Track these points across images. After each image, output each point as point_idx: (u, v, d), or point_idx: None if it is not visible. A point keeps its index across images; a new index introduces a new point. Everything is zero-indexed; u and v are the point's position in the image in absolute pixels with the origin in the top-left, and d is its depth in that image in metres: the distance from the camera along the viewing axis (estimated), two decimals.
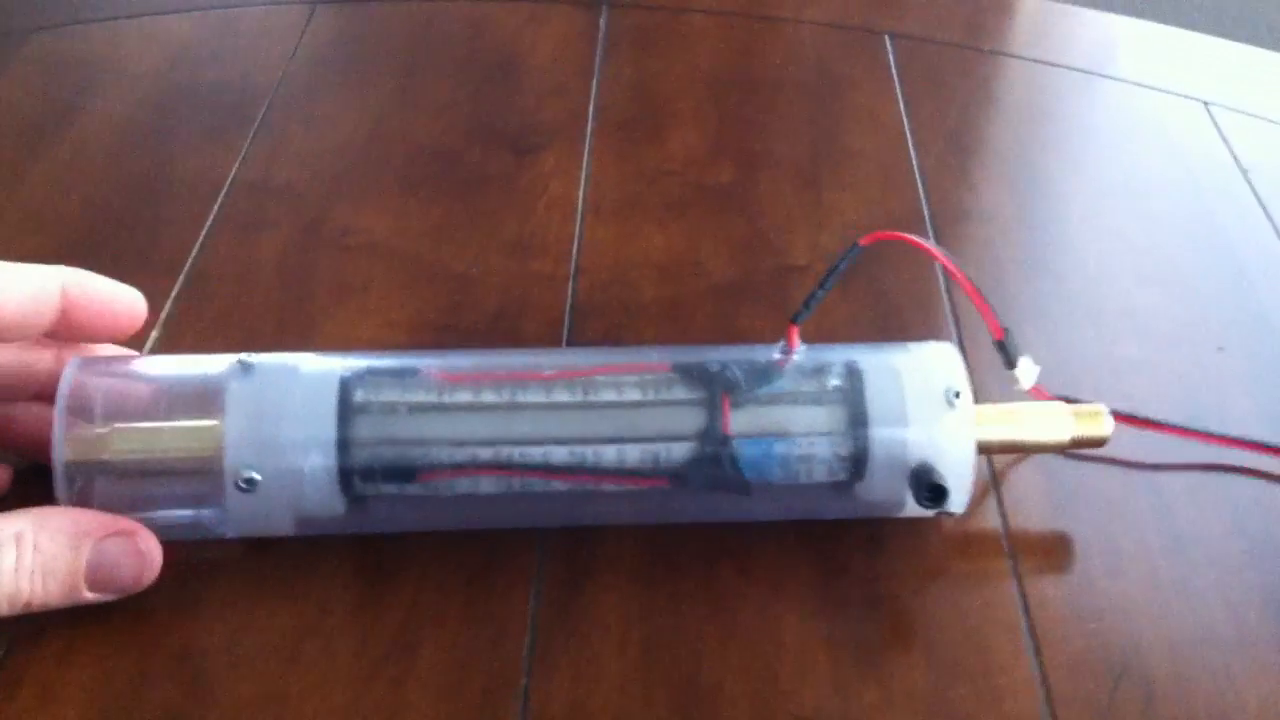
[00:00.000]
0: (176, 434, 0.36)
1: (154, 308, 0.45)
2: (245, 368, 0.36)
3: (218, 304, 0.47)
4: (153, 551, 0.35)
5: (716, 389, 0.37)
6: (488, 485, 0.37)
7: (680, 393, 0.37)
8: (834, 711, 0.34)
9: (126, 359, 0.38)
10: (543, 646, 0.36)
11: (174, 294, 0.47)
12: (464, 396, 0.37)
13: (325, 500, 0.36)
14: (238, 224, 0.52)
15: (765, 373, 0.38)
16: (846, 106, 0.61)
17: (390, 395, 0.37)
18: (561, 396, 0.37)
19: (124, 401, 0.37)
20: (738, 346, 0.40)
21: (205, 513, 0.36)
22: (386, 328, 0.47)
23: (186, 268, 0.49)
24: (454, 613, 0.37)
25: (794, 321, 0.38)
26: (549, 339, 0.47)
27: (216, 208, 0.52)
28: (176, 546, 0.36)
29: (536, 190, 0.54)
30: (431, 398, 0.37)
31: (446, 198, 0.54)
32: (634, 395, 0.37)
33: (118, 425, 0.36)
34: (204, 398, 0.36)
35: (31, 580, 0.33)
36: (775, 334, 0.47)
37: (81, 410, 0.35)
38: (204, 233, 0.51)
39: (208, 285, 0.48)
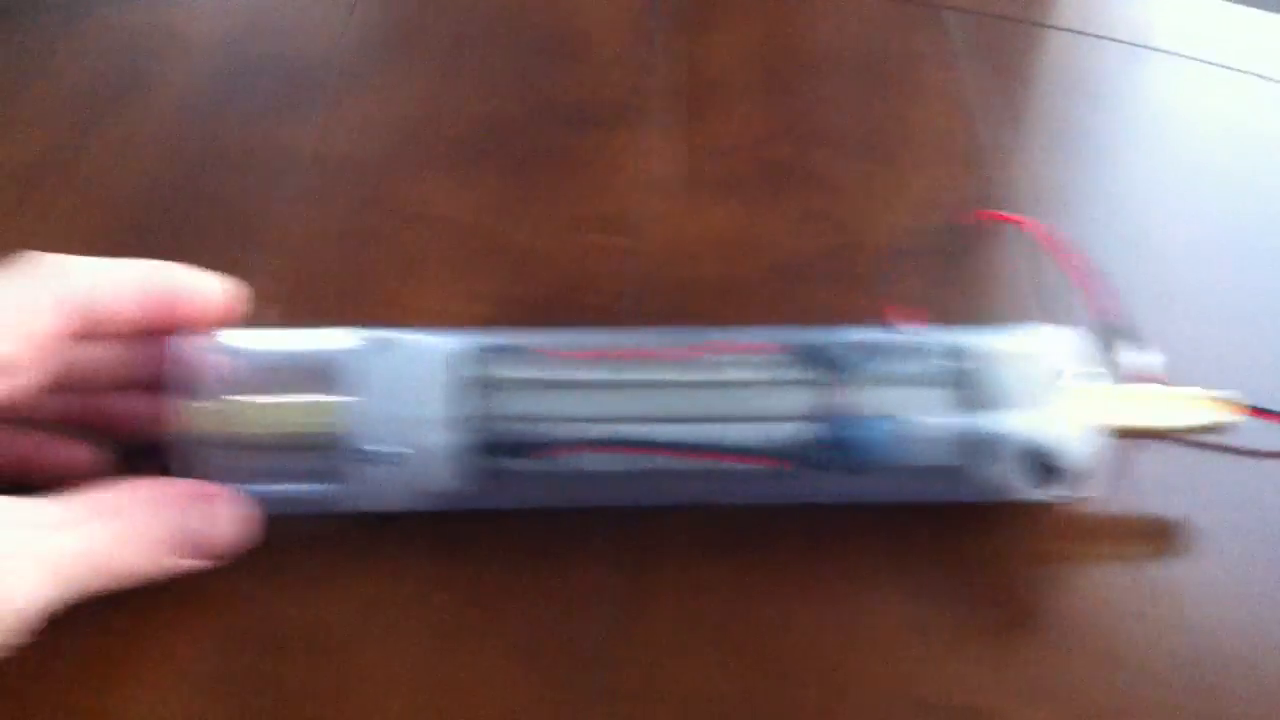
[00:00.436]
0: (297, 409, 0.37)
1: (236, 279, 0.45)
2: (365, 342, 0.37)
3: (300, 277, 0.48)
4: (244, 516, 0.35)
5: (829, 369, 0.37)
6: (603, 462, 0.37)
7: (793, 373, 0.38)
8: (961, 697, 0.35)
9: (239, 334, 0.38)
10: (616, 623, 0.36)
11: (256, 267, 0.48)
12: (580, 374, 0.38)
13: (444, 476, 0.36)
14: (303, 196, 0.52)
15: (877, 353, 0.38)
16: (905, 82, 0.61)
17: (507, 372, 0.37)
18: (676, 375, 0.38)
19: (240, 376, 0.37)
20: (844, 328, 0.40)
21: (324, 488, 0.37)
22: (458, 300, 0.47)
23: (262, 242, 0.49)
24: (524, 586, 0.37)
25: (899, 303, 0.38)
26: (616, 314, 0.47)
27: (285, 181, 0.52)
28: (286, 521, 0.37)
29: (599, 164, 0.55)
30: (548, 374, 0.37)
31: (507, 172, 0.54)
32: (747, 374, 0.38)
33: (236, 399, 0.36)
34: (323, 372, 0.37)
35: (122, 550, 0.33)
36: (842, 312, 0.47)
37: (197, 385, 0.35)
38: (277, 206, 0.51)
39: (281, 257, 0.49)
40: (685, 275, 0.49)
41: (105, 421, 0.38)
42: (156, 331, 0.37)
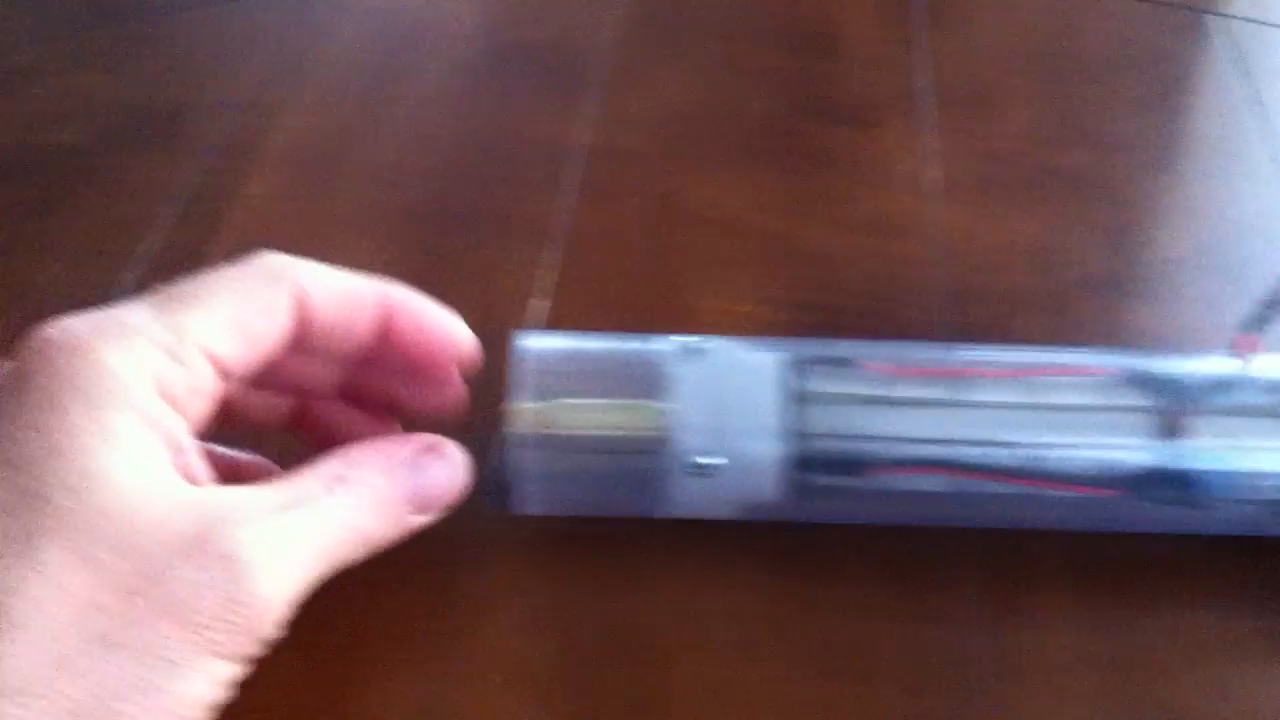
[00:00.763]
0: (623, 412, 0.36)
1: (526, 274, 0.45)
2: (689, 350, 0.36)
3: (595, 272, 0.47)
4: (461, 460, 0.34)
5: (1170, 397, 0.36)
6: (929, 483, 0.36)
7: (1131, 398, 0.36)
8: None
9: (563, 334, 0.38)
10: (1002, 650, 0.35)
11: (543, 261, 0.47)
12: (908, 391, 0.36)
13: (767, 487, 0.36)
14: (592, 191, 0.51)
15: (1220, 382, 0.36)
16: (1184, 88, 0.59)
17: (834, 385, 0.36)
18: (1007, 396, 0.36)
19: (565, 376, 0.36)
20: (1182, 352, 0.38)
21: (645, 493, 0.36)
22: (761, 305, 0.46)
23: (552, 234, 0.49)
24: (903, 607, 0.36)
25: (1248, 330, 0.37)
26: (925, 325, 0.46)
27: (569, 173, 0.52)
28: (603, 523, 0.37)
29: (882, 167, 0.53)
30: (876, 390, 0.36)
31: (792, 171, 0.53)
32: (1082, 399, 0.36)
33: (562, 400, 0.36)
34: (648, 378, 0.36)
35: (365, 518, 0.32)
36: (1163, 332, 0.46)
37: (524, 384, 0.35)
38: (562, 198, 0.51)
39: (582, 253, 0.48)
40: (1000, 287, 0.47)
41: (308, 426, 0.37)
42: (379, 359, 0.35)
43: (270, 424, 0.37)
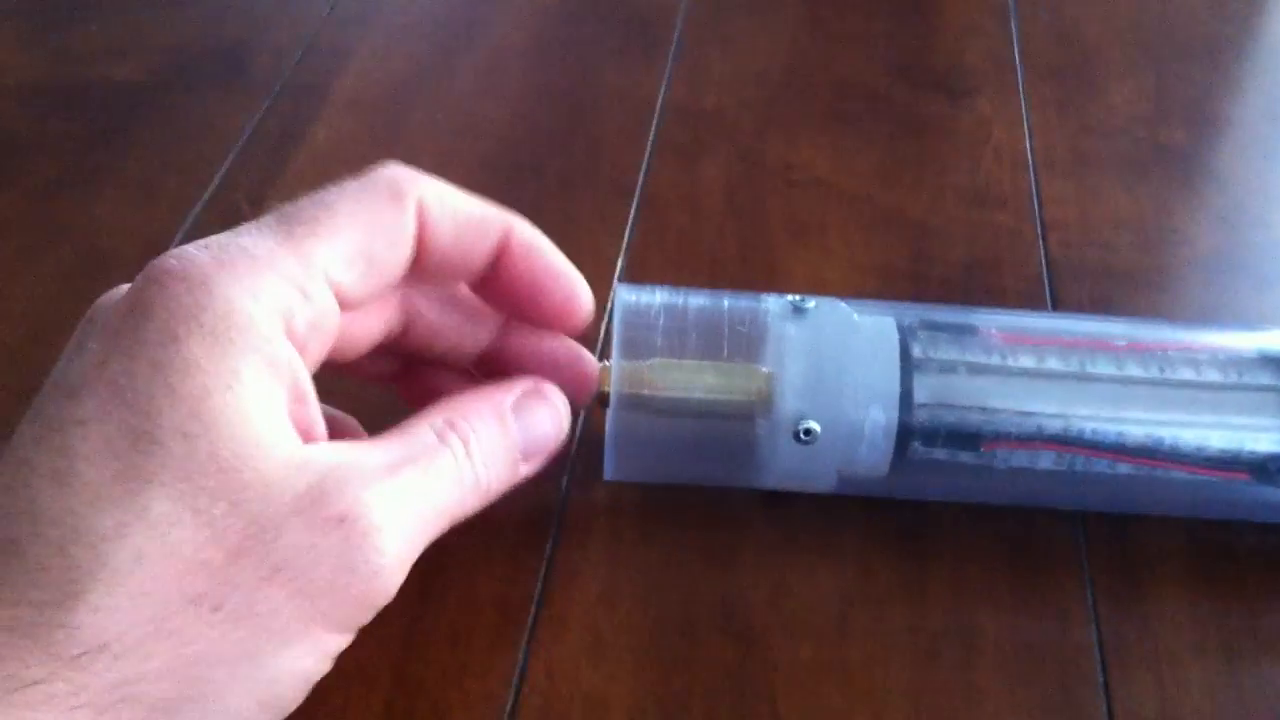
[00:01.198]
0: (727, 374, 0.33)
1: (613, 231, 0.43)
2: (798, 310, 0.34)
3: (674, 232, 0.45)
4: (563, 404, 0.32)
5: None
6: (1046, 461, 0.33)
7: (1266, 378, 0.34)
8: None
9: (666, 288, 0.35)
10: (1112, 640, 0.33)
11: (631, 219, 0.45)
12: (1028, 362, 0.34)
13: (876, 459, 0.33)
14: (675, 149, 0.49)
15: None
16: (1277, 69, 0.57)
17: (949, 353, 0.34)
18: (1134, 371, 0.34)
19: (666, 333, 0.34)
20: None
21: (745, 462, 0.34)
22: (854, 271, 0.44)
23: (638, 191, 0.47)
24: (1005, 593, 0.34)
25: None
26: (1030, 298, 0.43)
27: (651, 130, 0.50)
28: (697, 494, 0.35)
29: (979, 137, 0.51)
30: (994, 360, 0.34)
31: (884, 138, 0.51)
32: (1214, 377, 0.34)
33: (660, 360, 0.33)
34: (754, 339, 0.34)
35: (482, 468, 0.29)
36: (1273, 315, 0.43)
37: (630, 341, 0.33)
38: (646, 155, 0.48)
39: (660, 211, 0.46)
40: (1106, 262, 0.45)
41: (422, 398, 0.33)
42: (495, 306, 0.32)
43: (367, 361, 0.33)
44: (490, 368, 0.33)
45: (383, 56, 0.53)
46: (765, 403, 0.33)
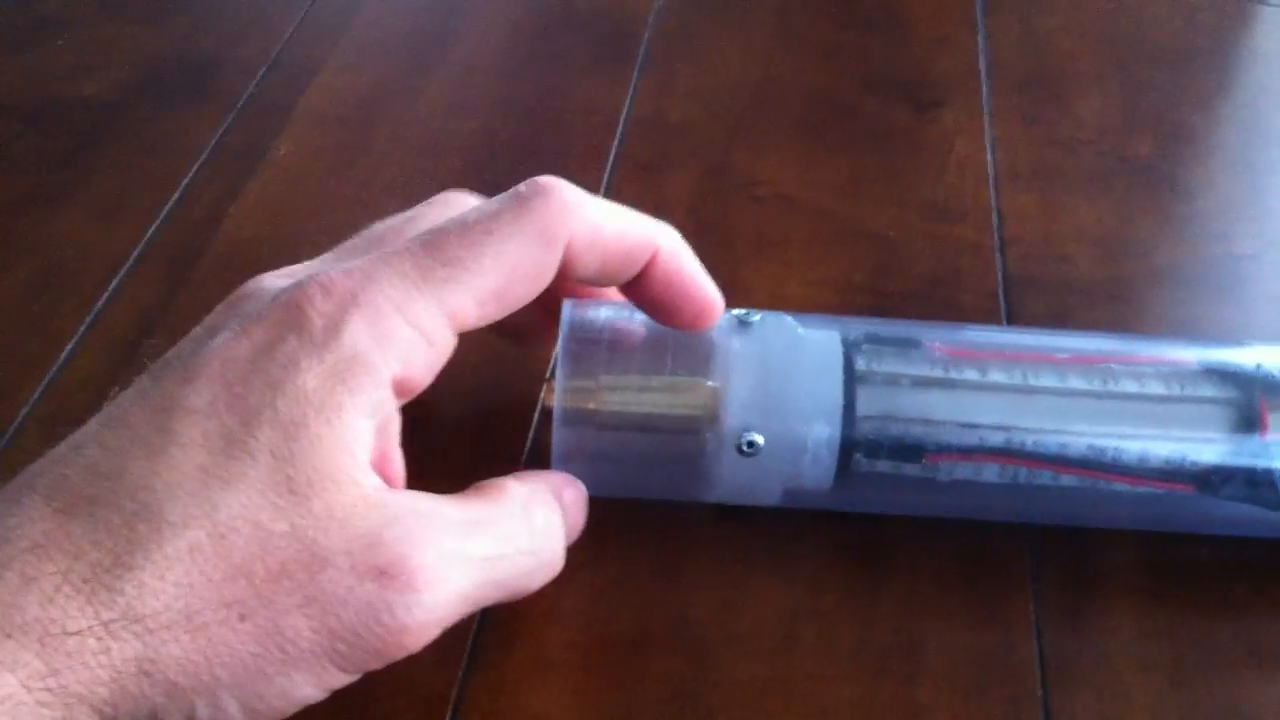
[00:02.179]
0: (672, 389, 0.34)
1: None
2: (743, 324, 0.34)
3: None
4: (586, 501, 0.33)
5: (1253, 390, 0.33)
6: (990, 473, 0.34)
7: (1209, 390, 0.34)
8: None
9: (614, 304, 0.35)
10: (1055, 655, 0.33)
11: None
12: (971, 374, 0.34)
13: (820, 472, 0.33)
14: (639, 163, 0.49)
15: None
16: (1253, 81, 0.57)
17: (893, 366, 0.34)
18: (1078, 383, 0.34)
19: (613, 349, 0.34)
20: (1262, 342, 0.36)
21: (692, 476, 0.34)
22: (814, 286, 0.44)
23: None
24: (953, 608, 0.34)
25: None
26: (987, 313, 0.43)
27: (616, 143, 0.50)
28: (648, 510, 0.35)
29: (942, 149, 0.51)
30: (937, 373, 0.34)
31: (850, 151, 0.51)
32: (1157, 389, 0.34)
33: (607, 376, 0.33)
34: (700, 353, 0.34)
35: (559, 539, 0.31)
36: (1234, 328, 0.43)
37: (576, 357, 0.33)
38: (608, 169, 0.48)
39: None
40: (1064, 276, 0.45)
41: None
42: (634, 300, 0.33)
43: None
44: None
45: (350, 71, 0.53)
46: (711, 417, 0.33)
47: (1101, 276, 0.45)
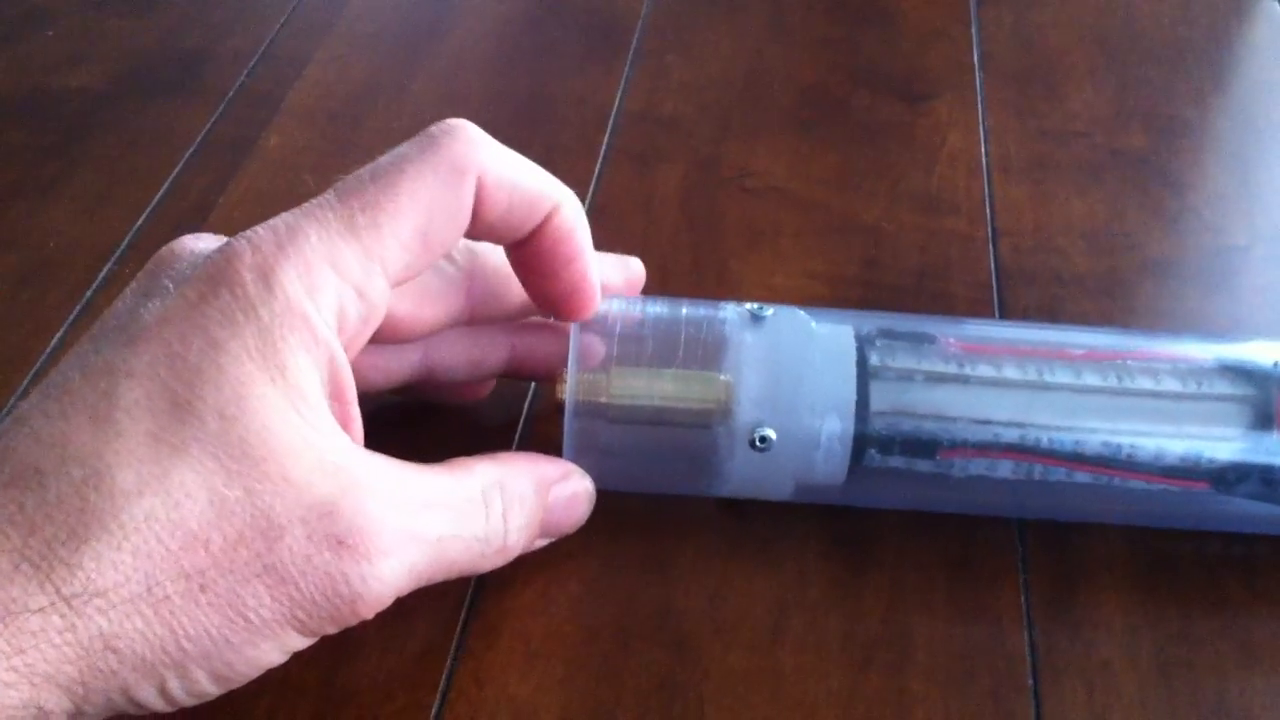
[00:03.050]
0: (685, 382, 0.33)
1: None
2: (756, 318, 0.34)
3: (627, 238, 0.45)
4: (589, 495, 0.33)
5: (1269, 387, 0.33)
6: (1003, 470, 0.33)
7: (1225, 387, 0.33)
8: None
9: (624, 298, 0.35)
10: (1045, 647, 0.33)
11: None
12: (985, 370, 0.34)
13: (832, 467, 0.33)
14: (631, 155, 0.49)
15: None
16: (1246, 73, 0.57)
17: (906, 362, 0.34)
18: (1092, 380, 0.33)
19: (623, 341, 0.34)
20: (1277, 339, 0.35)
21: (703, 470, 0.33)
22: (805, 278, 0.44)
23: (589, 197, 0.46)
24: (942, 600, 0.34)
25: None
26: (978, 304, 0.43)
27: (607, 135, 0.50)
28: (638, 501, 0.35)
29: (934, 142, 0.51)
30: (951, 369, 0.34)
31: (842, 143, 0.50)
32: (1173, 386, 0.33)
33: (618, 369, 0.33)
34: (712, 346, 0.33)
35: (510, 535, 0.30)
36: (1221, 320, 0.43)
37: (587, 350, 0.33)
38: (599, 161, 0.48)
39: (612, 218, 0.46)
40: (1055, 267, 0.45)
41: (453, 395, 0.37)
42: (519, 269, 0.33)
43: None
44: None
45: (340, 64, 0.53)
46: (723, 411, 0.33)
47: (1093, 268, 0.45)
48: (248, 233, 0.27)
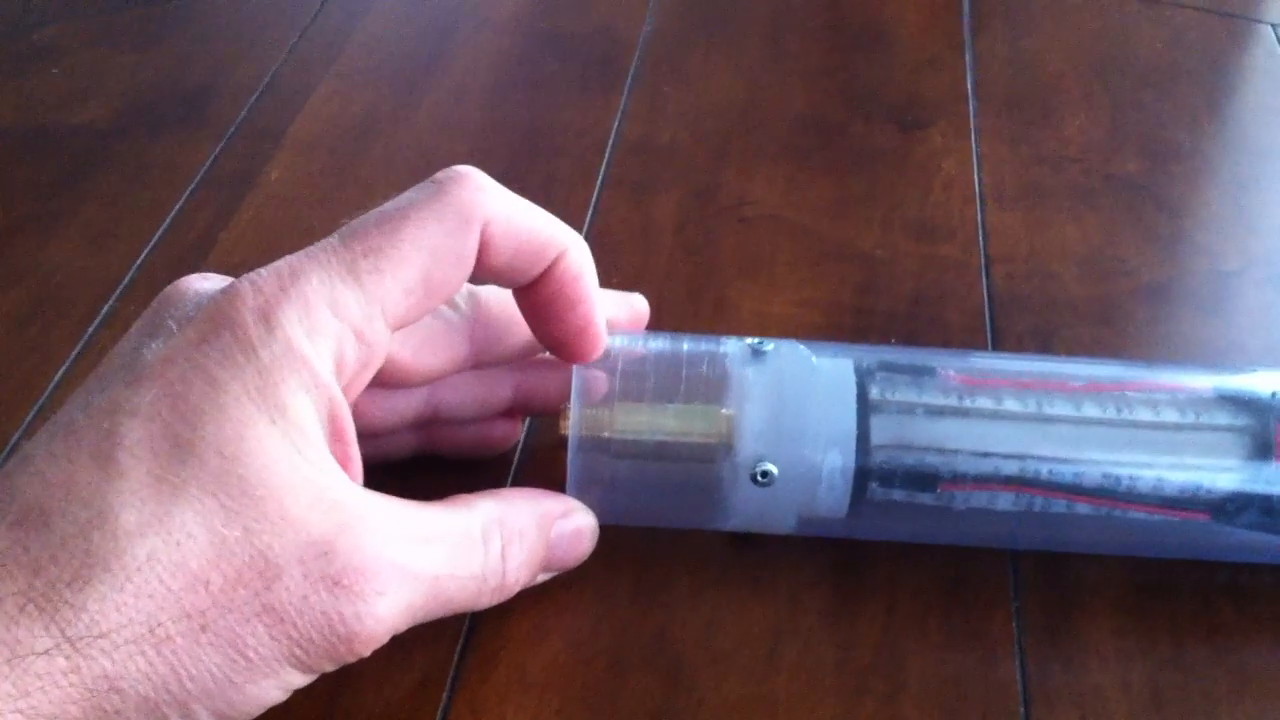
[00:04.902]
0: (687, 416, 0.33)
1: None
2: (757, 353, 0.34)
3: (624, 267, 0.46)
4: (593, 530, 0.34)
5: (1268, 417, 0.33)
6: (1004, 502, 0.34)
7: (1224, 417, 0.34)
8: None
9: (626, 333, 0.36)
10: (1036, 675, 0.33)
11: None
12: (985, 403, 0.34)
13: (834, 501, 0.33)
14: (628, 185, 0.50)
15: None
16: (1239, 98, 0.57)
17: (907, 395, 0.34)
18: (1092, 411, 0.34)
19: (625, 377, 0.34)
20: (1276, 368, 0.36)
21: (705, 504, 0.34)
22: (800, 306, 0.44)
23: (587, 226, 0.47)
24: (934, 627, 0.34)
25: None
26: (972, 331, 0.44)
27: (604, 165, 0.50)
28: (633, 531, 0.35)
29: (929, 169, 0.51)
30: (951, 401, 0.34)
31: (837, 171, 0.51)
32: (1172, 417, 0.34)
33: (621, 404, 0.33)
34: (714, 381, 0.34)
35: (513, 571, 0.31)
36: (1216, 345, 0.43)
37: (590, 385, 0.33)
38: (597, 190, 0.49)
39: (610, 247, 0.46)
40: (1049, 294, 0.45)
41: (452, 446, 0.37)
42: (525, 310, 0.33)
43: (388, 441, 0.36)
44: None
45: (341, 98, 0.54)
46: (726, 445, 0.33)
47: (1088, 294, 0.45)
48: (251, 274, 0.28)
